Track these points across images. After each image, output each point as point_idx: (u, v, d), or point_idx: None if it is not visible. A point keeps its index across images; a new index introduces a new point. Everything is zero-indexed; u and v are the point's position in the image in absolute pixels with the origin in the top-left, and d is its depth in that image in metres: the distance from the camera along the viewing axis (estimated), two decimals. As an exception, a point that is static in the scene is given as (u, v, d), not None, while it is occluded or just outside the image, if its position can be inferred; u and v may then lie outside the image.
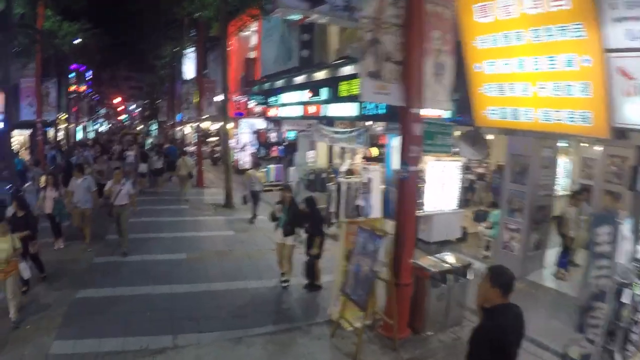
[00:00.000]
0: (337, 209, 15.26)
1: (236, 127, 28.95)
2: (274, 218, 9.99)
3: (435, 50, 8.18)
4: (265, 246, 12.91)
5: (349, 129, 16.06)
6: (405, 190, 8.09)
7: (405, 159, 7.86)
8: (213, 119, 32.42)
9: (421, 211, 12.44)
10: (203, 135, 26.58)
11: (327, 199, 15.13)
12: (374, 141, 16.16)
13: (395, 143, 14.67)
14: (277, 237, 10.00)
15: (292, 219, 9.67)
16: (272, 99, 22.97)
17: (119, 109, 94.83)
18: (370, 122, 15.76)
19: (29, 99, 21.81)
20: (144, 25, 35.79)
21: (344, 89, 16.00)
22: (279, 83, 21.37)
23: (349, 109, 15.74)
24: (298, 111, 19.84)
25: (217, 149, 35.93)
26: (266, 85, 23.24)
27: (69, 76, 37.26)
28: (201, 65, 25.57)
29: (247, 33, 29.60)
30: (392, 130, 14.75)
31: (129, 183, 12.43)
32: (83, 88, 45.37)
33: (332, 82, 16.73)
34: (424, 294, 8.11)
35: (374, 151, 17.80)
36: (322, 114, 17.59)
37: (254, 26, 27.64)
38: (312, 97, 18.32)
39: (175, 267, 11.23)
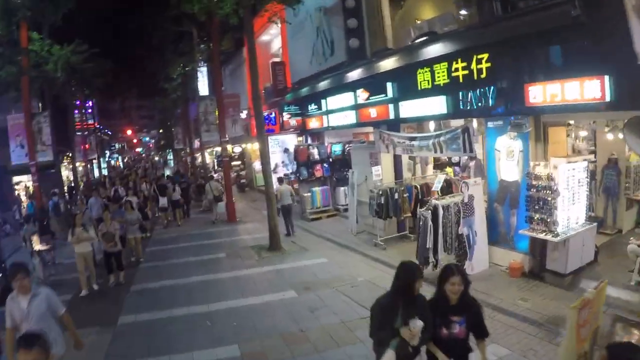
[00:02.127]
0: (434, 243, 11.11)
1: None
2: (382, 340, 4.59)
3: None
4: (349, 315, 8.71)
5: (436, 132, 11.81)
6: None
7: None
8: (234, 141, 28.22)
9: (554, 234, 9.19)
10: (228, 158, 22.35)
11: (418, 229, 10.91)
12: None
13: (501, 144, 10.57)
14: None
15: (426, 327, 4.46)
16: (312, 108, 18.67)
17: (133, 141, 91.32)
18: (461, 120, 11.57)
19: (20, 139, 17.92)
20: (149, 41, 31.64)
21: (424, 78, 11.71)
22: (322, 86, 17.03)
23: (435, 105, 11.43)
24: (350, 118, 15.54)
25: (243, 173, 32.12)
26: (303, 91, 18.89)
27: (75, 111, 33.60)
28: (219, 79, 21.29)
29: (265, 38, 25.57)
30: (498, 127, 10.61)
31: None
32: (91, 123, 41.87)
33: (404, 74, 12.41)
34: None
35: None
36: (391, 116, 13.28)
37: (274, 28, 23.66)
38: (370, 96, 14.05)
39: (226, 376, 7.01)
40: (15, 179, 29.07)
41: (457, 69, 10.44)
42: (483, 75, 9.76)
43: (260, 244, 15.08)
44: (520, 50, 8.85)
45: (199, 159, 37.99)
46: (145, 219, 17.86)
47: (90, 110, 53.56)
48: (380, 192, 13.27)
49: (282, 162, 24.55)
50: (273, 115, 21.83)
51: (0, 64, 17.53)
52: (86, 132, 38.85)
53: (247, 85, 26.20)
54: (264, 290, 10.76)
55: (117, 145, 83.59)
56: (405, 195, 13.61)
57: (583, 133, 12.30)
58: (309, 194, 18.49)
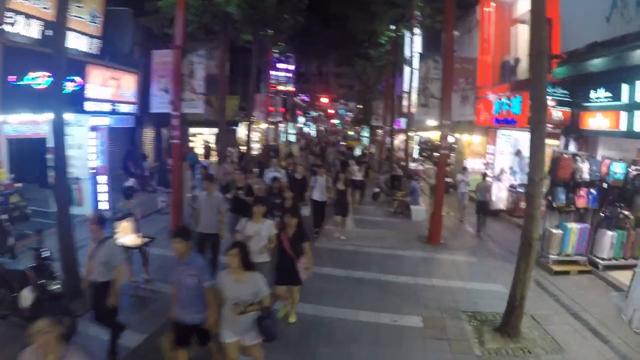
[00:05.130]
0: None
1: (491, 142, 18.23)
2: None
3: None
4: None
5: None
6: None
7: None
8: (449, 128, 21.11)
9: None
10: (446, 150, 15.47)
11: None
12: None
13: None
14: None
15: None
16: (597, 96, 11.30)
17: (328, 111, 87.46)
18: None
19: (164, 81, 13.42)
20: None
21: None
22: (632, 58, 9.59)
23: None
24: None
25: (448, 169, 25.41)
26: (592, 65, 11.16)
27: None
28: (450, 34, 14.33)
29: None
30: None
31: None
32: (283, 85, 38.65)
33: None
34: None
35: None
36: None
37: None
38: None
39: None
40: (193, 130, 27.47)
41: None
42: None
43: (481, 312, 8.75)
44: None
45: (397, 143, 32.11)
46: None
47: (289, 74, 50.91)
48: None
49: (511, 167, 17.67)
50: (518, 98, 14.73)
51: None
52: (273, 94, 35.32)
53: (478, 55, 19.50)
54: None
55: (312, 113, 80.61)
56: None
57: None
58: (559, 230, 11.48)
